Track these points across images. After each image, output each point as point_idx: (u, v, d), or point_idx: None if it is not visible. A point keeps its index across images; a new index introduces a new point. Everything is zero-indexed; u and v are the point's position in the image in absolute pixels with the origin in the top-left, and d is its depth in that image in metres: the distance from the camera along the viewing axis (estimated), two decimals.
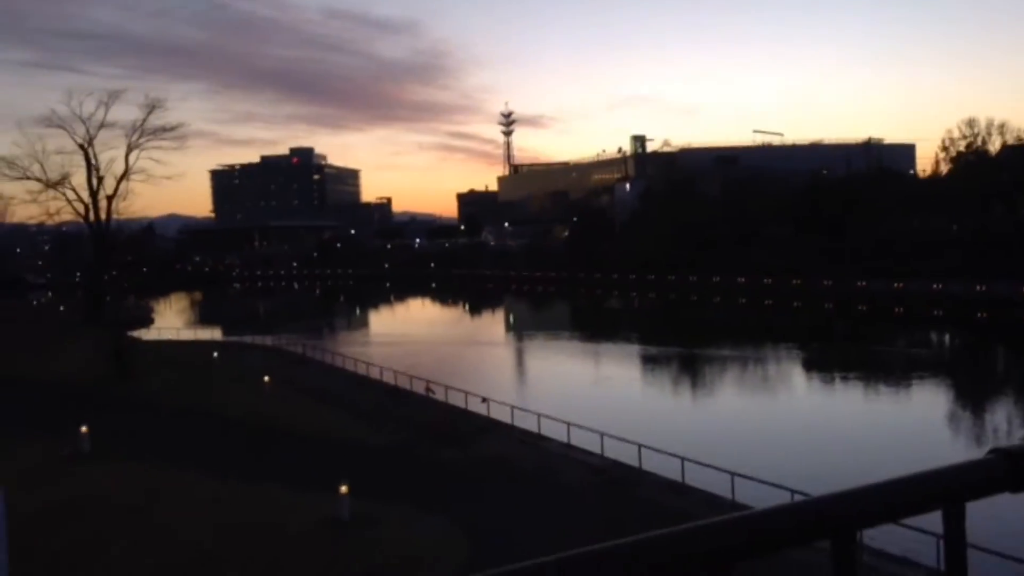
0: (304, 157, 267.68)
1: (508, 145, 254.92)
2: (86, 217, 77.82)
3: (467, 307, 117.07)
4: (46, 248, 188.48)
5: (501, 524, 21.46)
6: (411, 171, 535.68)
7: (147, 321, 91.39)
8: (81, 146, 75.86)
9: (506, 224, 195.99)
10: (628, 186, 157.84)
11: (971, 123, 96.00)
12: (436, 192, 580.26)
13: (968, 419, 37.76)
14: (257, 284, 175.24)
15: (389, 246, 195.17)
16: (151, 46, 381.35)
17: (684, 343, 63.46)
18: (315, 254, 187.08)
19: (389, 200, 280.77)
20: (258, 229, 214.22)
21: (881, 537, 18.22)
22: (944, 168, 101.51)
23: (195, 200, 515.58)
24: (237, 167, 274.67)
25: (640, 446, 26.86)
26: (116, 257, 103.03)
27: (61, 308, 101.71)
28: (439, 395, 40.57)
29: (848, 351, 58.54)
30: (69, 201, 76.75)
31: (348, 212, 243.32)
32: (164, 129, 78.10)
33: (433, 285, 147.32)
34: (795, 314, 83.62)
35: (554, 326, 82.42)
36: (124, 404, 37.20)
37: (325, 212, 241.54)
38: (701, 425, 37.14)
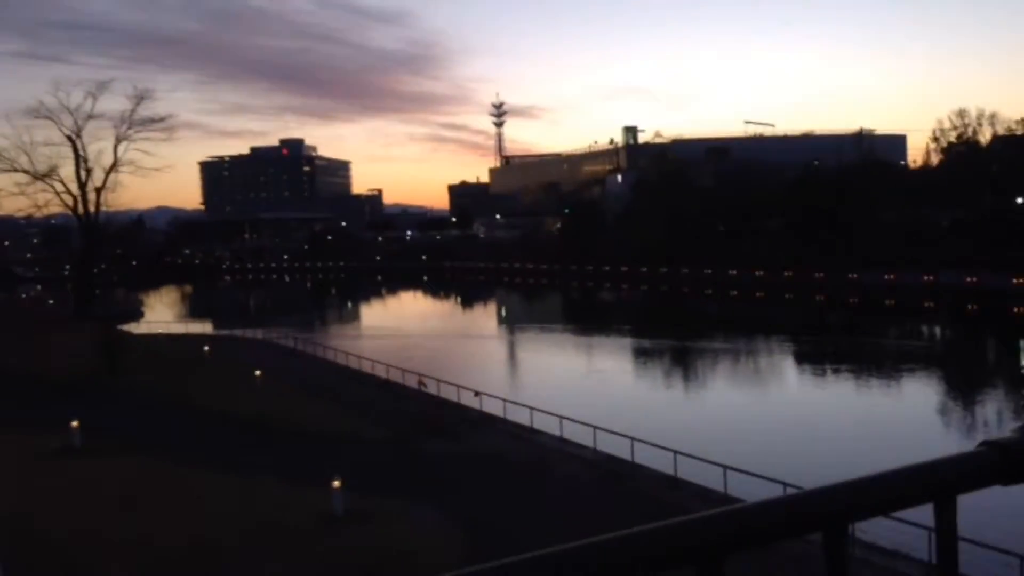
0: (294, 148, 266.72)
1: (500, 136, 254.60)
2: (75, 209, 77.38)
3: (459, 300, 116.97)
4: (35, 241, 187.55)
5: (495, 518, 21.46)
6: (402, 163, 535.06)
7: (137, 314, 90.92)
8: (69, 137, 75.45)
9: (498, 216, 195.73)
10: (620, 178, 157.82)
11: (962, 114, 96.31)
12: (427, 184, 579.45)
13: (958, 411, 37.93)
14: (248, 277, 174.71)
15: (380, 238, 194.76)
16: (141, 36, 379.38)
17: (675, 336, 63.52)
18: (306, 246, 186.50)
19: (380, 192, 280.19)
20: (248, 221, 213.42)
21: (872, 530, 18.27)
22: (935, 159, 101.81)
23: (185, 192, 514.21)
24: (227, 159, 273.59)
25: (633, 440, 26.88)
26: (105, 250, 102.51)
27: (50, 301, 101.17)
28: (432, 389, 40.53)
29: (839, 343, 58.74)
30: (57, 193, 76.36)
31: (339, 204, 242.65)
32: (153, 120, 77.78)
33: (424, 278, 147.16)
34: (786, 306, 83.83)
35: (546, 319, 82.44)
36: (115, 398, 37.02)
37: (316, 204, 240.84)
38: (693, 418, 37.20)
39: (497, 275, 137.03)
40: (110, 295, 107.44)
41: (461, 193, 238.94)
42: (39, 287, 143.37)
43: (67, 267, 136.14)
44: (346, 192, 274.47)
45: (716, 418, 36.91)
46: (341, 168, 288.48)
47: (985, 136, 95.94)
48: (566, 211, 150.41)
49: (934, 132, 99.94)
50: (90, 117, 75.80)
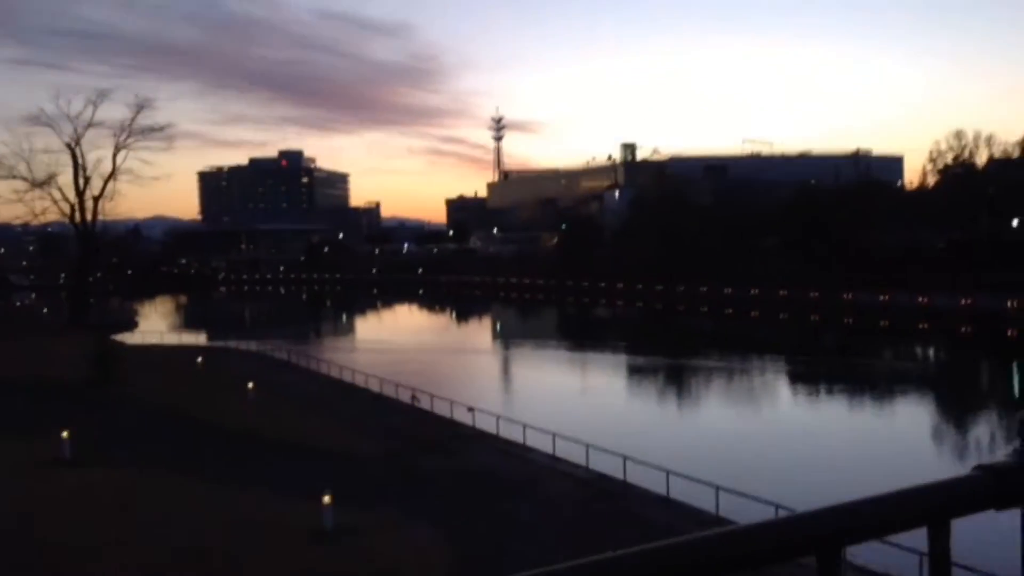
0: (293, 160, 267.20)
1: (498, 151, 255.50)
2: (72, 217, 77.36)
3: (454, 314, 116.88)
4: (31, 249, 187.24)
5: (485, 534, 21.35)
6: (401, 175, 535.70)
7: (131, 324, 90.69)
8: (68, 145, 75.54)
9: (495, 230, 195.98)
10: (617, 194, 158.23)
11: (959, 135, 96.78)
12: (425, 197, 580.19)
13: (952, 434, 37.87)
14: (243, 288, 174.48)
15: (377, 251, 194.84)
16: (142, 45, 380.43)
17: (670, 353, 63.49)
18: (302, 258, 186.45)
19: (378, 205, 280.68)
20: (245, 232, 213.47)
21: (865, 554, 18.18)
22: (932, 180, 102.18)
23: (182, 202, 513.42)
24: (225, 169, 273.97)
25: (625, 458, 26.78)
26: (101, 259, 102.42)
27: (45, 310, 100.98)
28: (425, 404, 40.40)
29: (833, 363, 58.71)
30: (55, 201, 76.38)
31: (337, 216, 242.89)
32: (152, 129, 78.01)
33: (421, 291, 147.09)
34: (781, 325, 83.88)
35: (541, 334, 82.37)
36: (106, 408, 36.84)
37: (314, 216, 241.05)
38: (686, 437, 37.10)
39: (493, 290, 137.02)
40: (105, 304, 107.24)
41: (459, 207, 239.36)
42: (34, 295, 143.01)
43: (62, 275, 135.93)
44: (344, 204, 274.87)
45: (709, 437, 36.80)
46: (339, 180, 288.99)
47: (982, 158, 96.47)
48: (563, 227, 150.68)
49: (931, 153, 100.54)
50: (90, 125, 76.01)
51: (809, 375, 54.15)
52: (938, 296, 78.56)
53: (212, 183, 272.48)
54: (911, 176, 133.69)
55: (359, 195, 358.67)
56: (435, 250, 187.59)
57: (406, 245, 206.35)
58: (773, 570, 1.17)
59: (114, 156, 76.76)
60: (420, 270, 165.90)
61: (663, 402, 47.84)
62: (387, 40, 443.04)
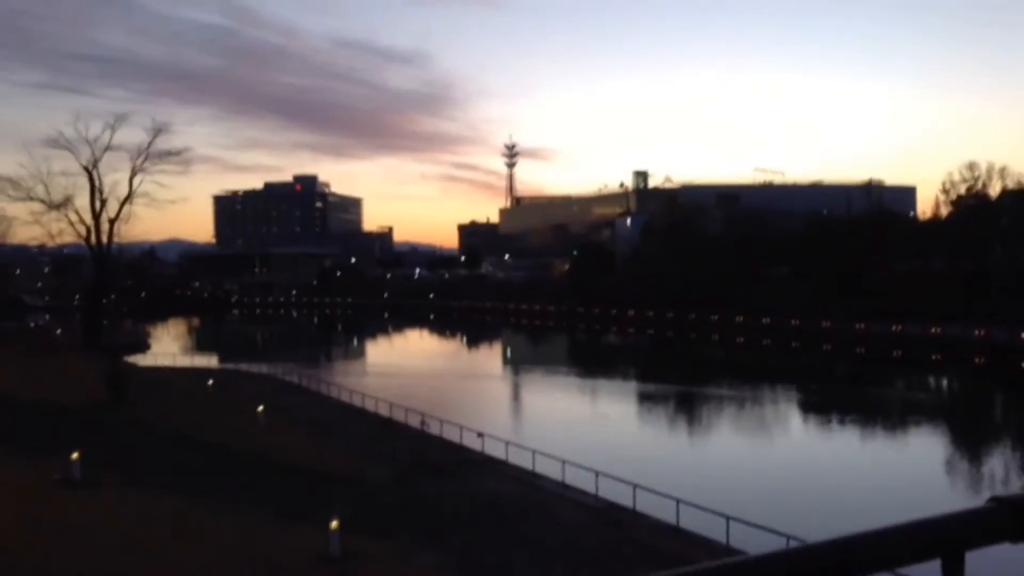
0: (307, 184, 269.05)
1: (511, 177, 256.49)
2: (88, 239, 77.97)
3: (465, 339, 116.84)
4: (46, 270, 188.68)
5: (494, 562, 21.22)
6: (413, 201, 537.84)
7: (144, 346, 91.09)
8: (86, 168, 76.31)
9: (507, 256, 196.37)
10: (629, 221, 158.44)
11: (972, 167, 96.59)
12: (438, 223, 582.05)
13: (965, 466, 37.48)
14: (256, 311, 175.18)
15: (389, 276, 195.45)
16: (160, 70, 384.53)
17: (681, 381, 63.24)
18: (315, 282, 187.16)
19: (390, 229, 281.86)
20: (259, 256, 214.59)
21: None
22: (944, 211, 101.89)
23: (197, 225, 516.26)
24: (240, 193, 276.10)
25: (635, 486, 26.62)
26: (116, 281, 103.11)
27: (58, 331, 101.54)
28: (434, 429, 40.33)
29: (846, 393, 58.31)
30: (71, 223, 77.05)
31: (350, 240, 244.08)
32: (169, 153, 78.76)
33: (432, 316, 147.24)
34: (793, 354, 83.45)
35: (552, 361, 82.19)
36: (117, 430, 36.92)
37: (327, 240, 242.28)
38: (697, 465, 36.85)
39: (504, 315, 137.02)
40: (118, 326, 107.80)
41: (471, 232, 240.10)
42: (48, 316, 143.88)
43: (77, 297, 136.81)
44: (357, 229, 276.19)
45: (720, 466, 36.55)
46: (353, 205, 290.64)
47: (995, 189, 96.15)
48: (575, 253, 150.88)
49: (944, 184, 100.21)
50: (107, 149, 76.83)
51: (821, 404, 53.78)
52: (951, 327, 78.08)
53: (227, 207, 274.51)
54: (924, 207, 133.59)
55: (372, 220, 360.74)
56: (447, 275, 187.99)
57: (418, 270, 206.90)
58: None
59: (131, 179, 77.55)
60: (431, 295, 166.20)
61: (674, 430, 47.57)
62: (402, 68, 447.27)
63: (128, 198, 77.42)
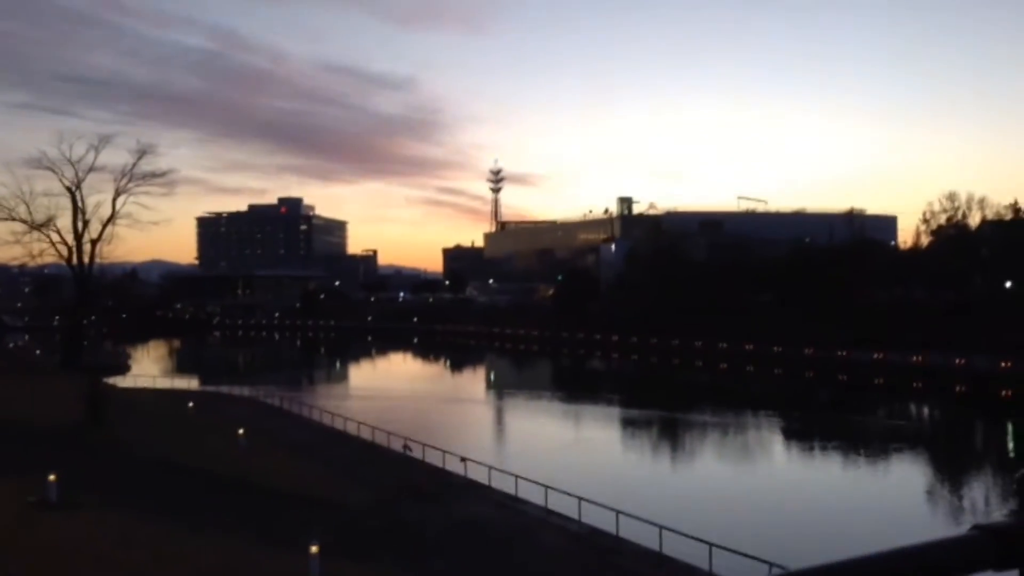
0: (292, 207, 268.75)
1: (496, 202, 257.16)
2: (69, 260, 77.38)
3: (449, 363, 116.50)
4: (26, 290, 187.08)
5: None
6: (398, 224, 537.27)
7: (124, 368, 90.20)
8: (69, 189, 75.89)
9: (491, 280, 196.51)
10: (613, 247, 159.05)
11: (951, 197, 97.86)
12: (422, 246, 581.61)
13: (947, 493, 37.62)
14: (238, 333, 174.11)
15: (373, 299, 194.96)
16: (146, 93, 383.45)
17: (664, 407, 63.26)
18: (298, 304, 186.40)
19: (375, 253, 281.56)
20: (242, 278, 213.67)
21: None
22: (925, 240, 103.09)
23: (180, 247, 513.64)
24: (224, 215, 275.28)
25: (618, 513, 26.52)
26: (97, 301, 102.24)
27: (38, 351, 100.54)
28: (417, 453, 40.09)
29: (828, 420, 58.49)
30: (53, 243, 76.49)
31: (334, 263, 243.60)
32: (154, 175, 78.42)
33: (416, 340, 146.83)
34: (776, 381, 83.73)
35: (536, 385, 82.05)
36: (95, 451, 36.47)
37: (311, 262, 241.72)
38: (680, 492, 36.79)
39: (489, 339, 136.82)
40: (98, 347, 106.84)
41: (455, 256, 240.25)
42: (27, 336, 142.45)
43: (57, 317, 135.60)
44: (342, 252, 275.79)
45: (703, 492, 36.51)
46: (338, 228, 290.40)
47: (975, 220, 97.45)
48: (559, 278, 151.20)
49: (924, 214, 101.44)
50: (91, 170, 76.47)
51: (804, 431, 53.90)
52: (933, 355, 78.67)
53: (210, 228, 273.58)
54: (905, 236, 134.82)
55: (357, 243, 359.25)
56: (431, 299, 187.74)
57: (402, 294, 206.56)
58: None
59: (114, 200, 77.14)
60: (415, 318, 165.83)
61: (657, 456, 47.50)
62: (389, 93, 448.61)
63: (111, 219, 76.99)
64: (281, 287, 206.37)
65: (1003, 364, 73.02)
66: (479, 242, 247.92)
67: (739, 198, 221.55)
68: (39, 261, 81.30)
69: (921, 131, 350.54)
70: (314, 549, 20.75)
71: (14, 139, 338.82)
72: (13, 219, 74.60)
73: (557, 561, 24.07)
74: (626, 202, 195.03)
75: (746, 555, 21.29)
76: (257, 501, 29.72)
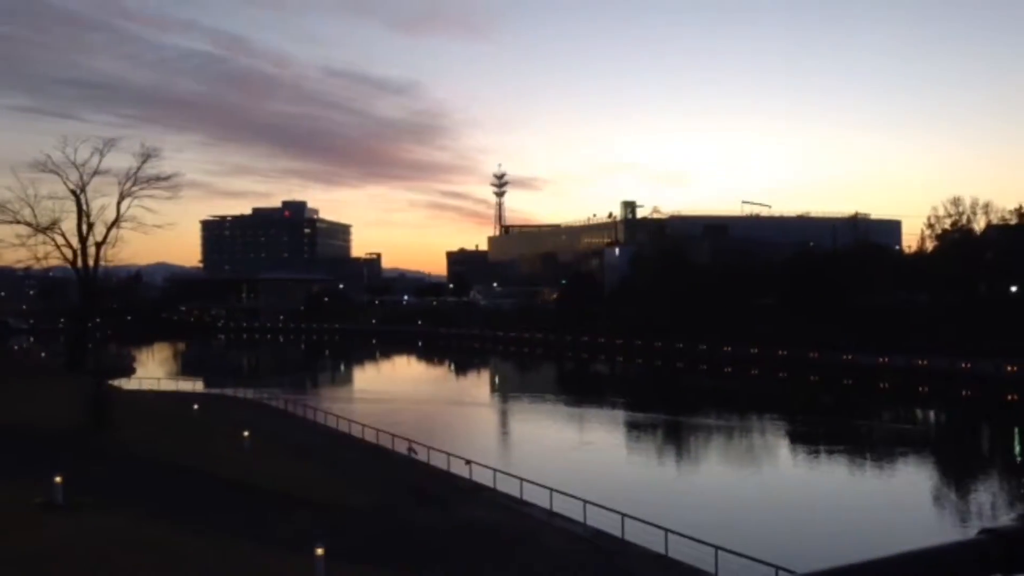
0: (296, 210, 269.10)
1: (500, 206, 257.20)
2: (74, 263, 77.38)
3: (453, 366, 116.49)
4: (31, 293, 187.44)
5: None
6: (402, 228, 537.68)
7: (129, 370, 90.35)
8: (73, 192, 75.87)
9: (495, 284, 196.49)
10: (617, 251, 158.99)
11: (956, 202, 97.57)
12: (426, 250, 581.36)
13: (953, 497, 37.50)
14: (242, 336, 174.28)
15: (377, 302, 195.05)
16: (150, 96, 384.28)
17: (668, 410, 63.18)
18: (302, 308, 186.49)
19: (379, 256, 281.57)
20: (246, 281, 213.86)
21: None
22: (929, 245, 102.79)
23: (184, 250, 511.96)
24: (228, 218, 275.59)
25: (623, 516, 26.47)
26: (102, 304, 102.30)
27: (43, 354, 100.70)
28: (421, 456, 40.07)
29: (833, 424, 58.36)
30: (58, 246, 76.38)
31: (338, 267, 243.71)
32: (158, 178, 78.25)
33: (419, 343, 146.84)
34: (780, 385, 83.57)
35: (540, 389, 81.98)
36: (100, 454, 36.49)
37: (315, 266, 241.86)
38: (684, 495, 36.71)
39: (492, 343, 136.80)
40: (103, 349, 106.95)
41: (459, 260, 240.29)
42: (32, 339, 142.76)
43: (62, 320, 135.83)
44: (346, 255, 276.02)
45: (708, 496, 36.43)
46: (342, 231, 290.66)
47: (979, 224, 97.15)
48: (563, 282, 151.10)
49: (929, 219, 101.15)
50: (96, 173, 76.32)
51: (809, 435, 53.78)
52: (937, 359, 78.51)
53: (215, 231, 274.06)
54: (909, 240, 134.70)
55: (361, 246, 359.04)
56: (435, 302, 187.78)
57: (406, 297, 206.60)
58: None
59: (119, 203, 77.01)
60: (419, 322, 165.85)
61: (661, 460, 47.43)
62: (393, 97, 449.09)
63: (115, 222, 76.80)
64: (285, 290, 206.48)
65: (1008, 368, 72.83)
66: (483, 246, 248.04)
67: (743, 202, 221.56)
68: (44, 264, 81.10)
69: (926, 136, 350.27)
70: (320, 551, 20.76)
71: (19, 142, 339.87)
72: (18, 222, 74.55)
73: (561, 564, 24.02)
74: (630, 206, 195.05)
75: (752, 558, 21.24)
76: (262, 503, 29.72)
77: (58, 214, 76.26)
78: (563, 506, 29.74)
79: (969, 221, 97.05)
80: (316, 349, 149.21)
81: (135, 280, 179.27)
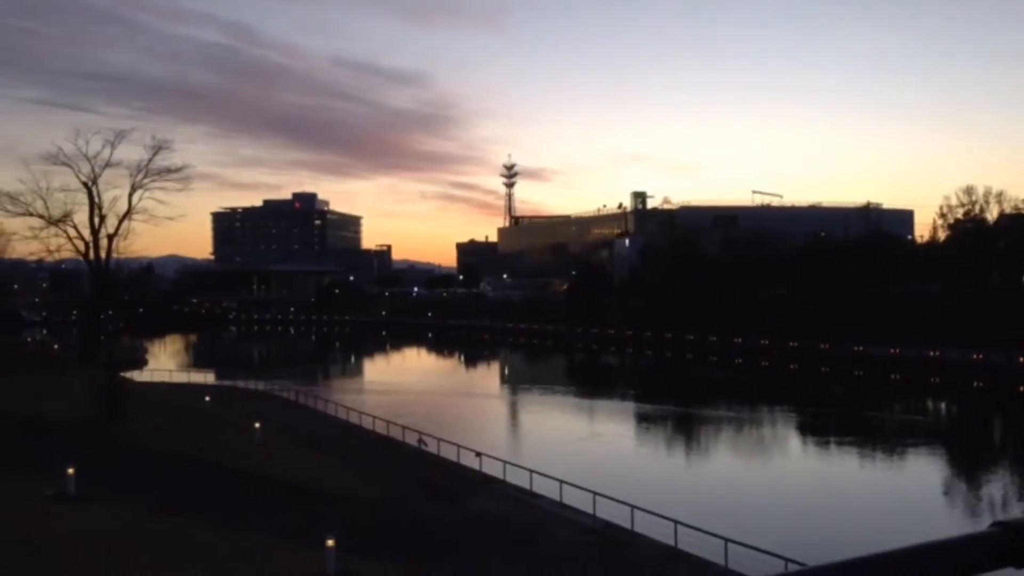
0: (307, 202, 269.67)
1: (509, 197, 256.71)
2: (86, 255, 77.82)
3: (463, 358, 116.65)
4: (44, 285, 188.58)
5: None
6: (412, 219, 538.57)
7: (141, 362, 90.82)
8: (85, 184, 76.24)
9: (505, 275, 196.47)
10: (628, 242, 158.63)
11: (969, 191, 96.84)
12: (436, 241, 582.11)
13: (965, 490, 37.34)
14: (253, 328, 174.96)
15: (387, 293, 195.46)
16: (161, 88, 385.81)
17: (678, 402, 63.10)
18: (313, 299, 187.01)
19: (389, 247, 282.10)
20: (257, 273, 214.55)
21: None
22: (942, 235, 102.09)
23: (196, 242, 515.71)
24: (239, 210, 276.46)
25: (633, 507, 26.47)
26: (114, 296, 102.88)
27: (55, 346, 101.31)
28: (431, 447, 40.17)
29: (844, 416, 58.19)
30: (70, 238, 76.87)
31: (348, 258, 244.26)
32: (169, 170, 78.58)
33: (430, 334, 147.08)
34: (791, 376, 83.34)
35: (550, 380, 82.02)
36: (113, 445, 36.74)
37: (325, 257, 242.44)
38: (694, 486, 36.70)
39: (502, 334, 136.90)
40: (115, 341, 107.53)
41: (469, 251, 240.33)
42: (45, 331, 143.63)
43: (74, 312, 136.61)
44: (356, 246, 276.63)
45: (717, 487, 36.39)
46: (352, 223, 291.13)
47: (992, 214, 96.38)
48: (573, 273, 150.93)
49: (941, 208, 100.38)
50: (107, 165, 76.72)
51: (820, 427, 53.65)
52: (949, 350, 78.10)
53: (225, 223, 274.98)
54: (922, 230, 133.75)
55: (371, 238, 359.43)
56: (444, 294, 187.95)
57: (416, 288, 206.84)
58: None
59: (130, 195, 77.40)
60: (429, 313, 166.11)
61: (671, 451, 47.40)
62: (403, 88, 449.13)
63: (127, 214, 77.26)
64: (296, 282, 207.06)
65: (1021, 359, 72.41)
66: (493, 237, 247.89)
67: (754, 192, 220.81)
68: (56, 256, 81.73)
69: (939, 125, 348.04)
70: (330, 543, 20.84)
71: (31, 135, 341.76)
72: (31, 214, 75.08)
73: (571, 556, 24.05)
74: (640, 197, 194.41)
75: (762, 550, 21.21)
76: (273, 494, 29.86)
77: (70, 206, 76.75)
78: (573, 498, 29.77)
79: (982, 211, 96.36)
80: (326, 341, 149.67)
81: (147, 272, 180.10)
